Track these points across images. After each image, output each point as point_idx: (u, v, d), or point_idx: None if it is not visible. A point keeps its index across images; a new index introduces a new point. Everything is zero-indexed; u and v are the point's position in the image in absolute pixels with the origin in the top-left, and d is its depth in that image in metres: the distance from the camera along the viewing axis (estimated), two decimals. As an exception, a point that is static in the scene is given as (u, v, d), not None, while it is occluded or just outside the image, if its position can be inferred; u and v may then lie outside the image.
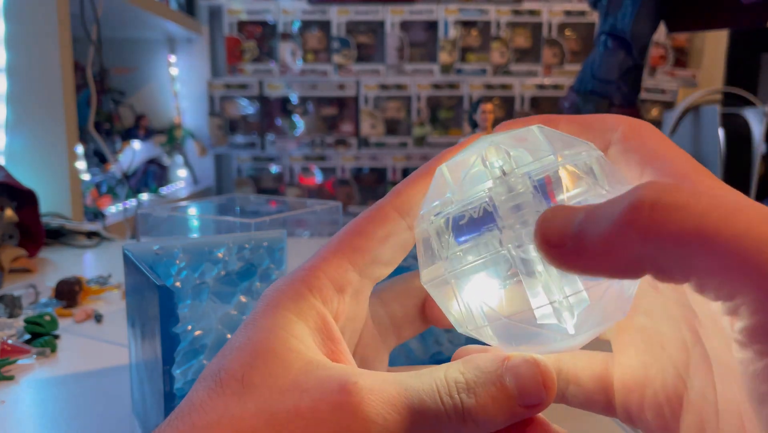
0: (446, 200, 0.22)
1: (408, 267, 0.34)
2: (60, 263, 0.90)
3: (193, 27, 1.99)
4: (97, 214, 1.35)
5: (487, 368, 0.20)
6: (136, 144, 1.82)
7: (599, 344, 0.23)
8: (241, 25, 2.13)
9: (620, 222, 0.16)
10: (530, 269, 0.20)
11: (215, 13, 2.17)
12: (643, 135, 0.21)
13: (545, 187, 0.20)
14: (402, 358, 0.40)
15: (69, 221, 1.08)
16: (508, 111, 2.14)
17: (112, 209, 1.49)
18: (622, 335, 0.23)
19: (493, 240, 0.20)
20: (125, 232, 1.38)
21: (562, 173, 0.20)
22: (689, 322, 0.20)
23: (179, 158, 2.12)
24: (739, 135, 1.62)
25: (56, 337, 0.58)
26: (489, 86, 2.10)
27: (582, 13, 2.10)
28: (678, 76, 2.14)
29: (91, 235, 1.05)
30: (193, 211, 0.62)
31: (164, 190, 1.90)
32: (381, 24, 2.10)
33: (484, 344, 0.23)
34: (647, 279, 0.18)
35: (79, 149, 1.26)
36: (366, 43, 2.13)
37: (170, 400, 0.34)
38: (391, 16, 2.08)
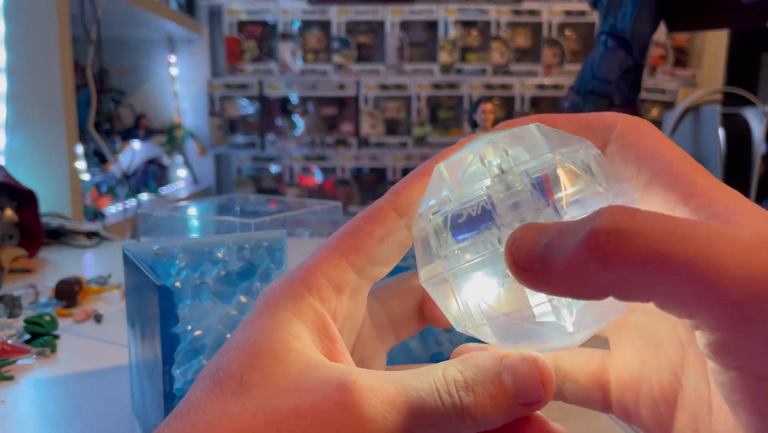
0: (444, 199, 0.22)
1: (407, 267, 0.34)
2: (60, 263, 0.90)
3: (193, 27, 1.99)
4: (97, 214, 1.35)
5: (485, 366, 0.20)
6: (136, 144, 1.82)
7: (596, 342, 0.24)
8: (241, 25, 2.13)
9: (580, 249, 0.16)
10: None
11: (215, 13, 2.17)
12: (640, 133, 0.21)
13: (543, 185, 0.20)
14: (402, 358, 0.40)
15: (69, 221, 1.08)
16: (508, 111, 2.14)
17: (112, 209, 1.49)
18: (619, 333, 0.23)
19: (491, 238, 0.20)
20: (125, 232, 1.38)
21: (560, 171, 0.20)
22: (686, 322, 0.20)
23: (179, 158, 2.12)
24: (739, 135, 1.62)
25: (56, 337, 0.58)
26: (489, 86, 2.10)
27: (582, 13, 2.10)
28: (678, 76, 2.14)
29: (91, 235, 1.05)
30: (193, 211, 0.62)
31: (164, 190, 1.90)
32: (381, 24, 2.10)
33: (482, 342, 0.23)
34: None
35: (79, 149, 1.26)
36: (366, 43, 2.13)
37: (170, 400, 0.34)
38: (391, 16, 2.08)
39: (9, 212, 0.86)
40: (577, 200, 0.20)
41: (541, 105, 2.14)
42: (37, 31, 1.12)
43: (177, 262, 0.37)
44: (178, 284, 0.37)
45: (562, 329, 0.20)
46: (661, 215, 0.16)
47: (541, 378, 0.20)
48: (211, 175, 2.23)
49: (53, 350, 0.54)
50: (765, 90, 2.13)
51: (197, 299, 0.37)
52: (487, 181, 0.21)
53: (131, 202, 1.55)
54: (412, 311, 0.26)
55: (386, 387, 0.19)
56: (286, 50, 2.12)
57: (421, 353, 0.40)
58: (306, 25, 2.12)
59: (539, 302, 0.20)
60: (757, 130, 1.60)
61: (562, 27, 2.12)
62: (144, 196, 1.76)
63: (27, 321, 0.57)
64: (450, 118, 2.16)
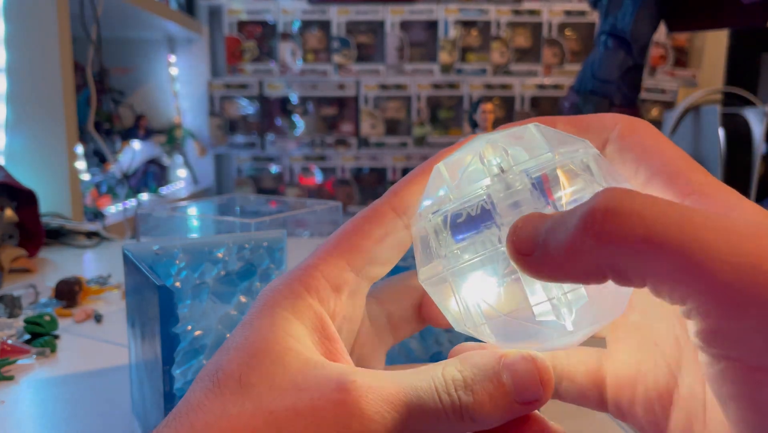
0: (444, 198, 0.22)
1: (406, 267, 0.34)
2: (60, 263, 0.90)
3: (193, 27, 1.99)
4: (96, 214, 1.35)
5: (484, 365, 0.20)
6: (136, 144, 1.82)
7: (593, 341, 0.24)
8: (241, 25, 2.13)
9: (577, 230, 0.16)
10: None
11: (215, 13, 2.17)
12: (639, 133, 0.21)
13: (543, 184, 0.20)
14: (402, 357, 0.40)
15: (69, 221, 1.08)
16: (508, 111, 2.14)
17: (112, 209, 1.49)
18: (617, 332, 0.23)
19: (491, 237, 0.20)
20: (125, 232, 1.38)
21: (559, 171, 0.20)
22: (682, 320, 0.20)
23: (179, 158, 2.12)
24: (739, 135, 1.62)
25: (56, 337, 0.58)
26: (489, 86, 2.10)
27: (582, 13, 2.10)
28: (678, 76, 2.14)
29: (91, 235, 1.05)
30: (193, 211, 0.62)
31: (164, 190, 1.90)
32: (381, 24, 2.10)
33: (481, 341, 0.23)
34: None
35: (79, 149, 1.26)
36: (366, 43, 2.13)
37: (170, 400, 0.34)
38: (391, 16, 2.08)
39: (9, 212, 0.86)
40: (576, 199, 0.20)
41: (541, 105, 2.14)
42: (37, 31, 1.12)
43: (177, 262, 0.37)
44: (178, 284, 0.37)
45: (562, 328, 0.20)
46: (660, 199, 0.16)
47: (540, 377, 0.20)
48: (211, 175, 2.23)
49: (53, 350, 0.54)
50: (765, 90, 2.13)
51: (197, 299, 0.37)
52: (487, 181, 0.21)
53: (131, 202, 1.55)
54: (411, 311, 0.26)
55: (385, 386, 0.19)
56: (286, 50, 2.12)
57: (421, 353, 0.40)
58: (306, 25, 2.12)
59: (539, 301, 0.20)
60: (757, 130, 1.60)
61: (562, 27, 2.12)
62: (144, 196, 1.76)
63: (27, 321, 0.57)
64: (450, 118, 2.16)
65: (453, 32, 2.10)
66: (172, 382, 0.34)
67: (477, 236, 0.20)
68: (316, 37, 2.13)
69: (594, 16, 2.08)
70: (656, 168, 0.20)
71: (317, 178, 2.19)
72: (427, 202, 0.22)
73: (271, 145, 2.14)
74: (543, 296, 0.20)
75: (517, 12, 2.10)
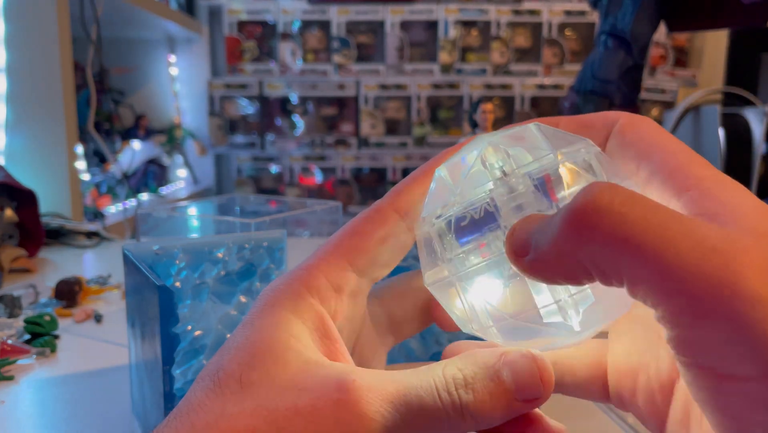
0: (447, 202, 0.22)
1: (407, 267, 0.34)
2: (60, 263, 0.90)
3: (193, 27, 1.98)
4: (96, 214, 1.35)
5: (484, 363, 0.20)
6: (136, 144, 1.82)
7: (595, 335, 0.24)
8: (241, 25, 2.13)
9: (560, 230, 0.17)
10: None
11: (215, 13, 2.17)
12: (640, 128, 0.21)
13: (545, 185, 0.20)
14: (402, 357, 0.40)
15: (69, 221, 1.08)
16: (508, 111, 2.14)
17: (112, 209, 1.49)
18: (620, 324, 0.23)
19: (495, 241, 0.20)
20: (125, 232, 1.38)
21: (562, 171, 0.20)
22: None
23: (179, 158, 2.12)
24: (739, 135, 1.62)
25: (56, 337, 0.58)
26: (489, 86, 2.10)
27: (582, 13, 2.10)
28: (678, 76, 2.14)
29: (90, 235, 1.05)
30: (193, 211, 0.62)
31: (164, 190, 1.90)
32: (381, 24, 2.10)
33: (476, 339, 0.23)
34: None
35: (79, 149, 1.26)
36: (366, 43, 2.13)
37: (170, 400, 0.34)
38: (391, 16, 2.08)
39: (9, 212, 0.86)
40: None
41: (541, 105, 2.14)
42: (37, 31, 1.12)
43: (177, 262, 0.37)
44: (178, 284, 0.37)
45: (569, 329, 0.20)
46: (645, 200, 0.16)
47: (540, 375, 0.20)
48: (211, 176, 2.23)
49: (53, 350, 0.54)
50: (765, 90, 2.13)
51: (197, 299, 0.37)
52: (490, 184, 0.21)
53: (131, 202, 1.55)
54: (413, 311, 0.26)
55: (385, 386, 0.19)
56: (286, 50, 2.12)
57: (421, 353, 0.40)
58: (306, 25, 2.12)
59: (546, 302, 0.20)
60: (757, 130, 1.60)
61: (562, 27, 2.12)
62: (144, 196, 1.76)
63: (27, 321, 0.57)
64: (450, 118, 2.16)
65: (453, 32, 2.10)
66: (172, 382, 0.34)
67: (481, 239, 0.21)
68: (316, 37, 2.13)
69: (594, 16, 2.08)
70: (657, 164, 0.20)
71: (317, 178, 2.19)
72: (430, 206, 0.22)
73: (271, 145, 2.14)
74: (549, 297, 0.20)
75: (517, 12, 2.10)
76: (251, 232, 0.43)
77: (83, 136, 1.38)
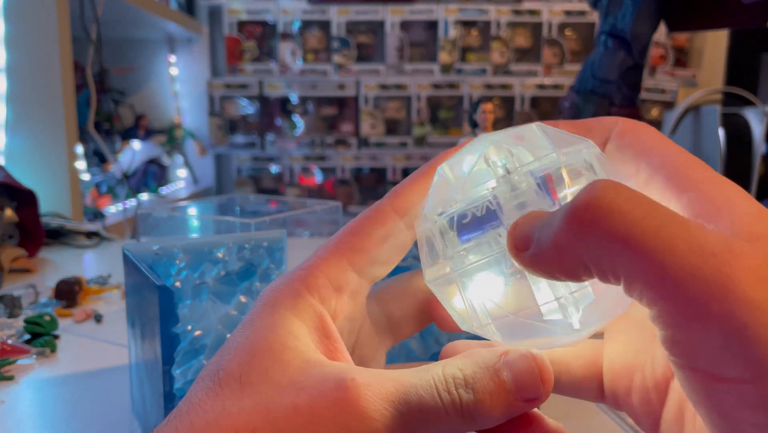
0: (449, 199, 0.22)
1: (407, 267, 0.34)
2: (60, 263, 0.90)
3: (193, 27, 1.98)
4: (96, 214, 1.35)
5: (484, 363, 0.20)
6: (136, 144, 1.82)
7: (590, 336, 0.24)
8: (241, 25, 2.13)
9: (561, 225, 0.17)
10: None
11: (215, 13, 2.17)
12: (639, 132, 0.22)
13: (547, 184, 0.20)
14: (402, 357, 0.40)
15: (69, 221, 1.08)
16: (508, 111, 2.14)
17: (112, 209, 1.49)
18: (616, 324, 0.23)
19: (497, 238, 0.20)
20: (125, 232, 1.38)
21: (563, 170, 0.20)
22: None
23: (179, 158, 2.12)
24: (739, 135, 1.62)
25: (56, 337, 0.58)
26: (489, 86, 2.10)
27: (582, 13, 2.10)
28: (678, 76, 2.14)
29: (90, 235, 1.05)
30: (193, 211, 0.62)
31: (164, 190, 1.90)
32: (381, 24, 2.10)
33: (475, 338, 0.23)
34: None
35: (79, 149, 1.26)
36: (366, 43, 2.13)
37: (170, 400, 0.34)
38: (391, 16, 2.08)
39: (9, 212, 0.86)
40: None
41: (541, 105, 2.14)
42: (37, 31, 1.12)
43: (177, 262, 0.37)
44: (178, 284, 0.37)
45: (569, 327, 0.20)
46: (647, 200, 0.16)
47: (540, 374, 0.20)
48: (211, 175, 2.23)
49: (53, 350, 0.54)
50: (765, 90, 2.13)
51: (197, 299, 0.37)
52: (492, 182, 0.21)
53: (131, 202, 1.55)
54: (411, 311, 0.26)
55: (385, 385, 0.19)
56: (286, 50, 2.12)
57: (421, 352, 0.40)
58: (306, 25, 2.12)
59: (546, 300, 0.20)
60: (757, 130, 1.60)
61: (562, 27, 2.12)
62: (144, 196, 1.76)
63: (27, 321, 0.57)
64: (450, 118, 2.16)
65: (453, 32, 2.10)
66: (172, 382, 0.34)
67: (483, 236, 0.21)
68: (316, 37, 2.13)
69: (594, 16, 2.08)
70: (656, 165, 0.20)
71: (317, 178, 2.19)
72: (431, 204, 0.22)
73: (271, 145, 2.14)
74: (550, 294, 0.20)
75: (517, 12, 2.10)
76: (251, 232, 0.43)
77: (83, 136, 1.38)
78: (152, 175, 1.88)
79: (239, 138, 2.15)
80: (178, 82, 2.12)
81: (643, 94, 2.08)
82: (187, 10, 2.07)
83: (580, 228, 0.16)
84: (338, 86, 2.11)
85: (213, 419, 0.18)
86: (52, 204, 1.14)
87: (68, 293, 0.67)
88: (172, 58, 2.10)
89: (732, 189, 0.18)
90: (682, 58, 2.15)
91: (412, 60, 2.12)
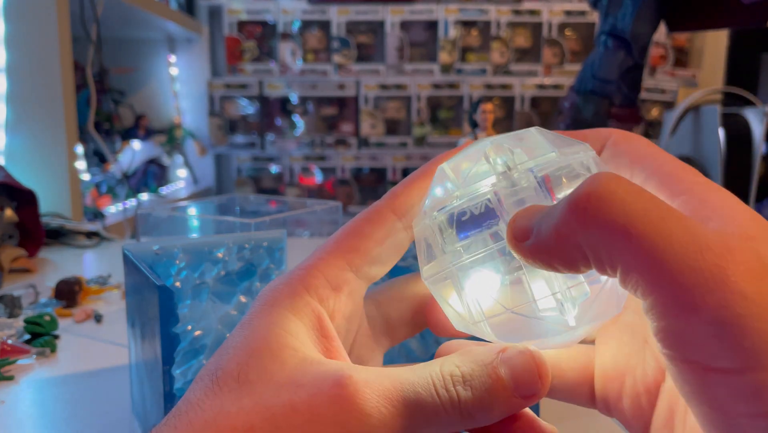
0: (448, 196, 0.22)
1: (407, 267, 0.34)
2: (60, 263, 0.90)
3: (193, 27, 1.99)
4: (96, 214, 1.35)
5: (482, 360, 0.20)
6: (136, 144, 1.82)
7: (582, 341, 0.24)
8: (241, 25, 2.13)
9: (563, 213, 0.17)
10: None
11: (215, 13, 2.17)
12: (633, 141, 0.22)
13: (545, 185, 0.20)
14: (402, 357, 0.40)
15: (69, 221, 1.08)
16: (508, 111, 2.14)
17: (112, 209, 1.49)
18: (607, 330, 0.23)
19: (496, 235, 0.20)
20: (125, 232, 1.38)
21: (562, 170, 0.21)
22: None
23: (179, 158, 2.12)
24: (739, 135, 1.62)
25: (56, 337, 0.58)
26: (489, 86, 2.10)
27: (582, 13, 2.10)
28: (678, 76, 2.14)
29: (90, 235, 1.05)
30: (193, 211, 0.62)
31: (164, 190, 1.90)
32: (381, 24, 2.10)
33: (471, 339, 0.23)
34: None
35: (79, 149, 1.26)
36: (366, 43, 2.13)
37: (170, 400, 0.34)
38: (391, 16, 2.08)
39: (9, 212, 0.86)
40: None
41: (541, 105, 2.14)
42: (37, 31, 1.12)
43: (177, 262, 0.37)
44: (178, 284, 0.37)
45: (564, 324, 0.20)
46: (647, 194, 0.17)
47: (538, 371, 0.20)
48: (211, 175, 2.23)
49: (53, 350, 0.54)
50: (765, 90, 2.13)
51: (197, 299, 0.37)
52: (493, 179, 0.21)
53: (131, 202, 1.55)
54: (408, 315, 0.26)
55: (382, 382, 0.19)
56: (286, 50, 2.12)
57: (421, 352, 0.40)
58: (306, 25, 2.12)
59: (543, 295, 0.20)
60: (757, 130, 1.60)
61: (562, 27, 2.12)
62: (144, 196, 1.76)
63: (27, 321, 0.57)
64: (450, 118, 2.16)
65: (453, 32, 2.10)
66: (172, 382, 0.34)
67: (482, 233, 0.21)
68: (316, 37, 2.13)
69: (594, 16, 2.08)
70: (650, 170, 0.21)
71: (317, 178, 2.19)
72: (431, 201, 0.23)
73: (271, 145, 2.14)
74: (547, 290, 0.20)
75: (517, 12, 2.10)
76: (251, 232, 0.43)
77: (83, 136, 1.38)
78: (152, 175, 1.88)
79: (239, 138, 2.15)
80: (178, 82, 2.12)
81: (643, 94, 2.08)
82: (187, 10, 2.07)
83: (582, 217, 0.17)
84: (338, 86, 2.11)
85: (211, 418, 0.18)
86: (52, 204, 1.15)
87: (68, 293, 0.67)
88: (172, 58, 2.10)
89: (724, 194, 0.19)
90: (682, 58, 2.15)
91: (412, 60, 2.12)
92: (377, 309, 0.26)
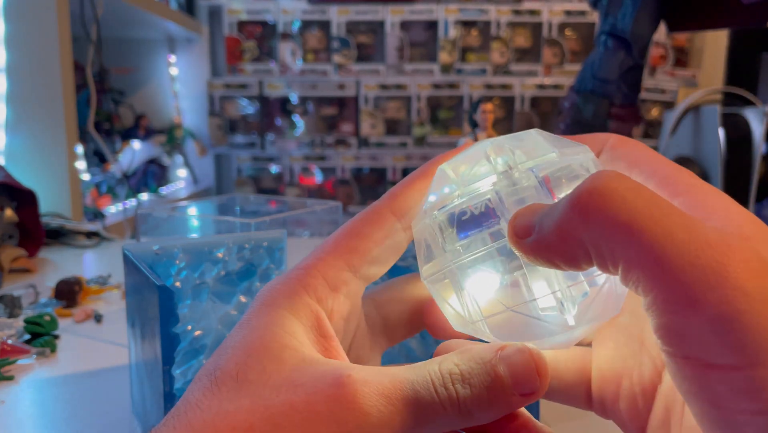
0: (449, 195, 0.22)
1: (406, 267, 0.34)
2: (60, 263, 0.90)
3: (193, 27, 1.99)
4: (96, 214, 1.35)
5: (481, 358, 0.20)
6: (136, 144, 1.82)
7: (579, 344, 0.24)
8: (241, 25, 2.13)
9: (567, 208, 0.17)
10: None
11: (215, 13, 2.17)
12: (630, 146, 0.22)
13: (546, 184, 0.21)
14: (402, 357, 0.40)
15: (69, 221, 1.08)
16: (508, 111, 2.14)
17: (112, 209, 1.49)
18: (604, 332, 0.23)
19: (496, 234, 0.21)
20: (125, 232, 1.38)
21: (562, 171, 0.21)
22: None
23: (179, 158, 2.12)
24: (739, 135, 1.62)
25: (56, 337, 0.58)
26: (489, 86, 2.10)
27: (582, 13, 2.10)
28: (678, 76, 2.14)
29: (90, 235, 1.05)
30: (193, 211, 0.62)
31: (164, 190, 1.90)
32: (381, 24, 2.10)
33: (472, 339, 0.23)
34: None
35: (79, 149, 1.26)
36: (366, 43, 2.13)
37: (170, 400, 0.34)
38: (391, 16, 2.08)
39: (9, 212, 0.86)
40: None
41: (541, 105, 2.14)
42: (37, 31, 1.12)
43: (177, 262, 0.37)
44: (178, 284, 0.37)
45: (564, 323, 0.20)
46: (650, 192, 0.17)
47: (537, 369, 0.20)
48: (211, 175, 2.23)
49: (53, 350, 0.54)
50: (765, 90, 2.13)
51: (197, 299, 0.37)
52: (493, 178, 0.21)
53: (131, 202, 1.55)
54: (407, 316, 0.26)
55: (381, 381, 0.19)
56: (286, 50, 2.12)
57: (420, 352, 0.40)
58: (306, 25, 2.12)
59: (543, 294, 0.20)
60: (757, 130, 1.60)
61: (562, 27, 2.12)
62: (144, 196, 1.76)
63: (27, 321, 0.57)
64: (450, 118, 2.16)
65: (453, 32, 2.10)
66: (172, 382, 0.34)
67: (482, 232, 0.21)
68: (316, 37, 2.13)
69: (594, 16, 2.08)
70: (647, 173, 0.21)
71: (317, 178, 2.19)
72: (431, 200, 0.23)
73: (271, 145, 2.14)
74: (546, 288, 0.20)
75: (517, 12, 2.10)
76: (251, 232, 0.43)
77: (83, 136, 1.38)
78: (152, 175, 1.88)
79: (239, 138, 2.15)
80: (178, 82, 2.12)
81: (643, 94, 2.08)
82: (187, 10, 2.07)
83: (584, 213, 0.17)
84: (338, 86, 2.11)
85: (210, 418, 0.18)
86: (52, 204, 1.15)
87: (68, 293, 0.67)
88: (172, 58, 2.10)
89: (721, 196, 0.19)
90: (682, 58, 2.15)
91: (412, 60, 2.12)
92: (376, 309, 0.26)
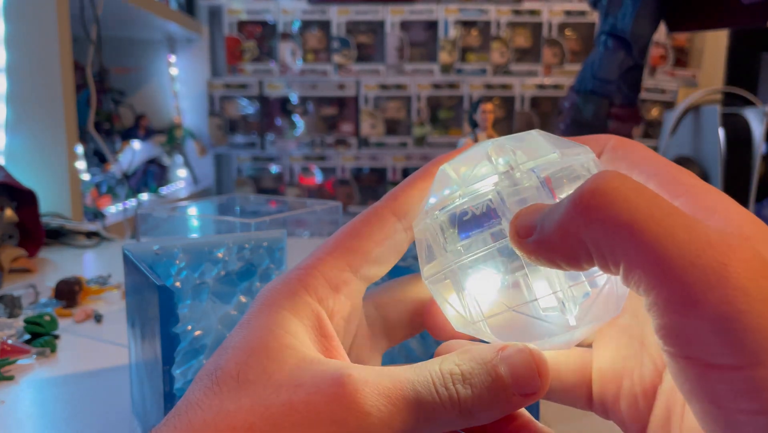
0: (450, 196, 0.22)
1: (407, 267, 0.34)
2: (60, 263, 0.90)
3: (193, 27, 1.99)
4: (97, 214, 1.35)
5: (482, 358, 0.20)
6: (136, 144, 1.82)
7: (579, 345, 0.24)
8: (241, 25, 2.13)
9: (568, 209, 0.17)
10: None
11: (215, 13, 2.17)
12: (630, 146, 0.23)
13: (547, 185, 0.21)
14: (402, 357, 0.40)
15: (69, 221, 1.08)
16: (508, 111, 2.14)
17: (112, 209, 1.49)
18: (605, 331, 0.23)
19: (497, 234, 0.20)
20: (125, 232, 1.38)
21: (563, 171, 0.21)
22: None
23: (179, 158, 2.12)
24: (739, 135, 1.62)
25: (56, 337, 0.58)
26: (489, 86, 2.10)
27: (582, 13, 2.10)
28: (678, 76, 2.14)
29: (90, 235, 1.05)
30: (193, 211, 0.62)
31: (164, 190, 1.90)
32: (381, 24, 2.10)
33: (473, 340, 0.23)
34: None
35: (79, 149, 1.26)
36: (366, 43, 2.13)
37: (170, 400, 0.34)
38: (391, 16, 2.08)
39: (9, 212, 0.86)
40: None
41: (541, 105, 2.14)
42: (37, 31, 1.12)
43: (177, 262, 0.37)
44: (178, 284, 0.37)
45: (565, 323, 0.20)
46: (651, 192, 0.17)
47: (538, 369, 0.20)
48: (211, 175, 2.23)
49: (53, 350, 0.54)
50: (765, 90, 2.13)
51: (197, 299, 0.37)
52: (495, 178, 0.21)
53: (131, 203, 1.55)
54: (408, 317, 0.26)
55: (382, 381, 0.19)
56: (286, 50, 2.12)
57: (421, 352, 0.40)
58: (306, 25, 2.12)
59: (544, 294, 0.20)
60: (757, 130, 1.60)
61: (562, 27, 2.12)
62: (144, 196, 1.76)
63: (27, 321, 0.57)
64: (450, 118, 2.16)
65: (453, 32, 2.10)
66: (172, 382, 0.34)
67: (483, 232, 0.21)
68: (316, 37, 2.13)
69: (594, 16, 2.07)
70: (648, 174, 0.21)
71: (317, 178, 2.19)
72: (432, 200, 0.23)
73: (271, 145, 2.14)
74: (548, 288, 0.20)
75: (517, 12, 2.10)
76: (251, 232, 0.43)
77: (83, 136, 1.38)
78: (152, 175, 1.88)
79: (239, 138, 2.15)
80: (178, 82, 2.12)
81: (643, 94, 2.08)
82: (187, 10, 2.07)
83: (586, 213, 0.17)
84: (338, 86, 2.11)
85: (211, 418, 0.18)
86: (52, 204, 1.15)
87: (68, 293, 0.67)
88: (172, 58, 2.10)
89: (721, 196, 0.19)
90: (682, 58, 2.15)
91: (412, 60, 2.12)
92: (376, 310, 0.26)
